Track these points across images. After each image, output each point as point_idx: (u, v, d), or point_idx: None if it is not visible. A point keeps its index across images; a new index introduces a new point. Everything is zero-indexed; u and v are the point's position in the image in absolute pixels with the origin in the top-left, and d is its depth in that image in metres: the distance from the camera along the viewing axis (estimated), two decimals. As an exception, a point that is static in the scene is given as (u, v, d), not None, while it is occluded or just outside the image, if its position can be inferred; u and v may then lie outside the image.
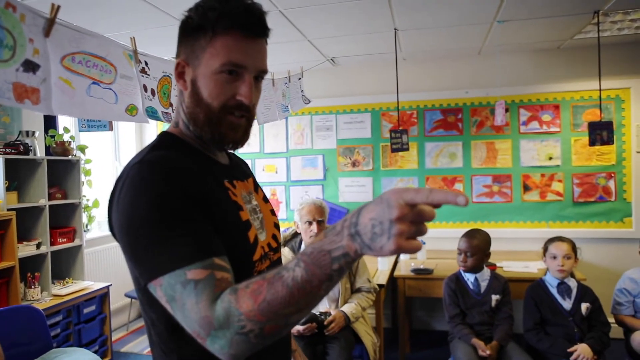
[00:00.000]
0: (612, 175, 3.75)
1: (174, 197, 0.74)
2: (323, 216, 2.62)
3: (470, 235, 2.82)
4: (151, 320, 0.85)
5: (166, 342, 0.84)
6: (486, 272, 2.81)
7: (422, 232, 0.60)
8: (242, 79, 0.85)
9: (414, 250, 0.59)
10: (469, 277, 2.80)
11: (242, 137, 0.91)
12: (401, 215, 0.57)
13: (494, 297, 2.70)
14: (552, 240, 2.74)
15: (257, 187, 1.06)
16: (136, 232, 0.73)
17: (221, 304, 0.67)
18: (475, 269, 2.78)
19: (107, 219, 0.84)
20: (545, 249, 2.74)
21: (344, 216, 0.65)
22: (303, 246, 2.74)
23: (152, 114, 1.69)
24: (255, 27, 0.85)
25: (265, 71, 0.90)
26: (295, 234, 2.82)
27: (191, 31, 0.86)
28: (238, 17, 0.82)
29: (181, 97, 0.92)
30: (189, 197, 0.76)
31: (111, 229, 0.83)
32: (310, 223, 2.57)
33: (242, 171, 1.04)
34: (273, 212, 1.05)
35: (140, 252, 0.73)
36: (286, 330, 0.69)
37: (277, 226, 1.05)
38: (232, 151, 1.03)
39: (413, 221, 0.58)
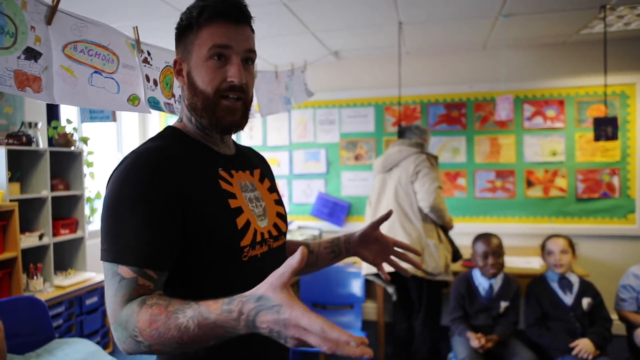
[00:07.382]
0: (617, 171, 3.73)
1: (149, 197, 0.82)
2: None
3: (486, 236, 2.71)
4: None
5: None
6: (500, 277, 2.69)
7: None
8: (230, 62, 0.92)
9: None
10: (482, 282, 2.69)
11: (240, 120, 0.96)
12: (296, 334, 0.63)
13: (503, 304, 2.63)
14: (548, 237, 2.76)
15: (263, 178, 1.10)
16: (107, 216, 0.83)
17: (127, 309, 0.76)
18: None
19: None
20: (543, 248, 2.75)
21: (237, 301, 0.68)
22: None
23: (154, 104, 1.68)
24: (234, 14, 0.92)
25: (252, 51, 0.95)
26: None
27: (182, 31, 0.96)
28: (217, 8, 0.91)
29: (183, 93, 0.99)
30: (165, 197, 0.83)
31: None
32: None
33: (249, 162, 1.10)
34: (278, 202, 1.10)
35: (104, 234, 0.83)
36: (174, 354, 0.78)
37: (280, 215, 1.08)
38: (234, 136, 1.09)
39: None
